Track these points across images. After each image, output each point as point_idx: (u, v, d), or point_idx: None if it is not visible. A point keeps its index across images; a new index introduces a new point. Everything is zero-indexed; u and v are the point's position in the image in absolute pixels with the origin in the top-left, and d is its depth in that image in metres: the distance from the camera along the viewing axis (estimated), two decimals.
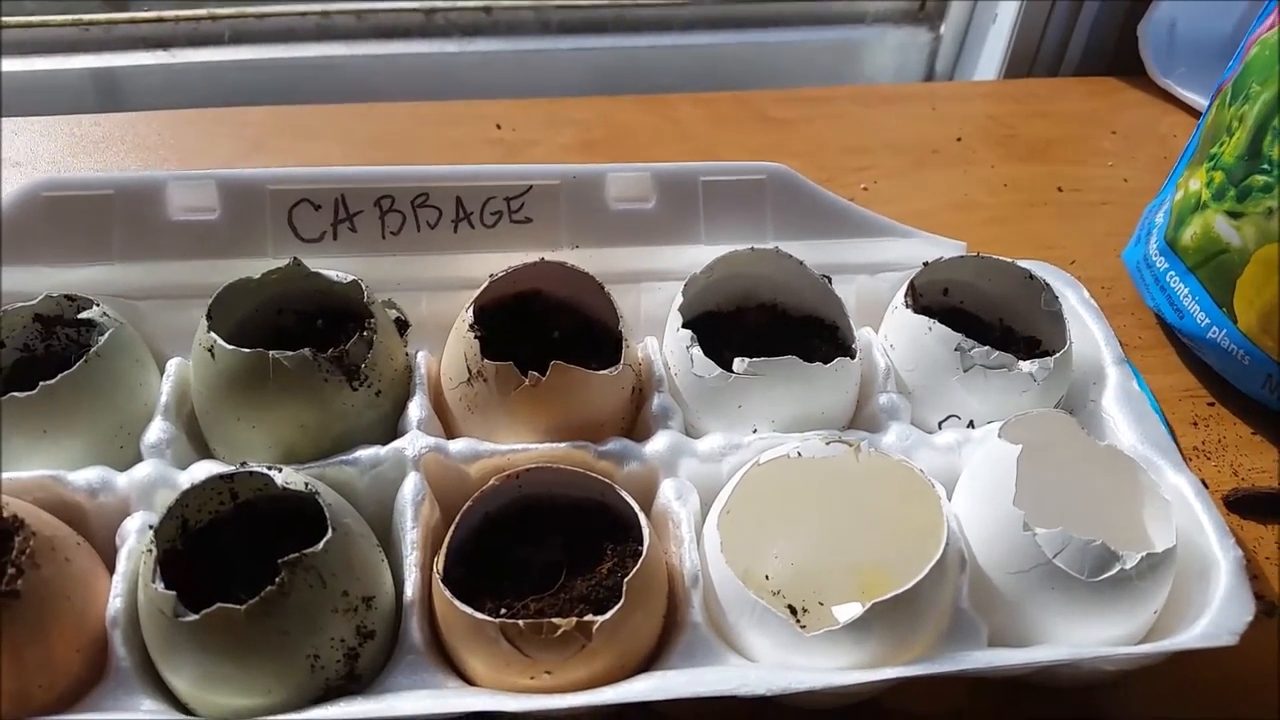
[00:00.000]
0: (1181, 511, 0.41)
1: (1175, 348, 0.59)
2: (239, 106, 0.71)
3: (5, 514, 0.35)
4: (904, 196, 0.66)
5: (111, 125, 0.69)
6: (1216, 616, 0.37)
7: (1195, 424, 0.54)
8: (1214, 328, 0.53)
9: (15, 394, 0.39)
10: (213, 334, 0.40)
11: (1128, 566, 0.36)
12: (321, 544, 0.34)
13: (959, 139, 0.73)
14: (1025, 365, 0.44)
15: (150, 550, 0.34)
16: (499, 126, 0.70)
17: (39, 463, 0.40)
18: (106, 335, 0.42)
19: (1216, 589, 0.38)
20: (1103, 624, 0.37)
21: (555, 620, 0.34)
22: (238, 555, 0.37)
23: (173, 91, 0.78)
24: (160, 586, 0.33)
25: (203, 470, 0.39)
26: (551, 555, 0.39)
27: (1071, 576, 0.36)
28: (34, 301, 0.43)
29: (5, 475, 0.39)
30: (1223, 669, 0.42)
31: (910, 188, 0.67)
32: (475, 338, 0.41)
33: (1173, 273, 0.56)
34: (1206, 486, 0.42)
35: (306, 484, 0.36)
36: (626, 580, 0.35)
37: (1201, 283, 0.54)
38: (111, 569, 0.37)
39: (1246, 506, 0.50)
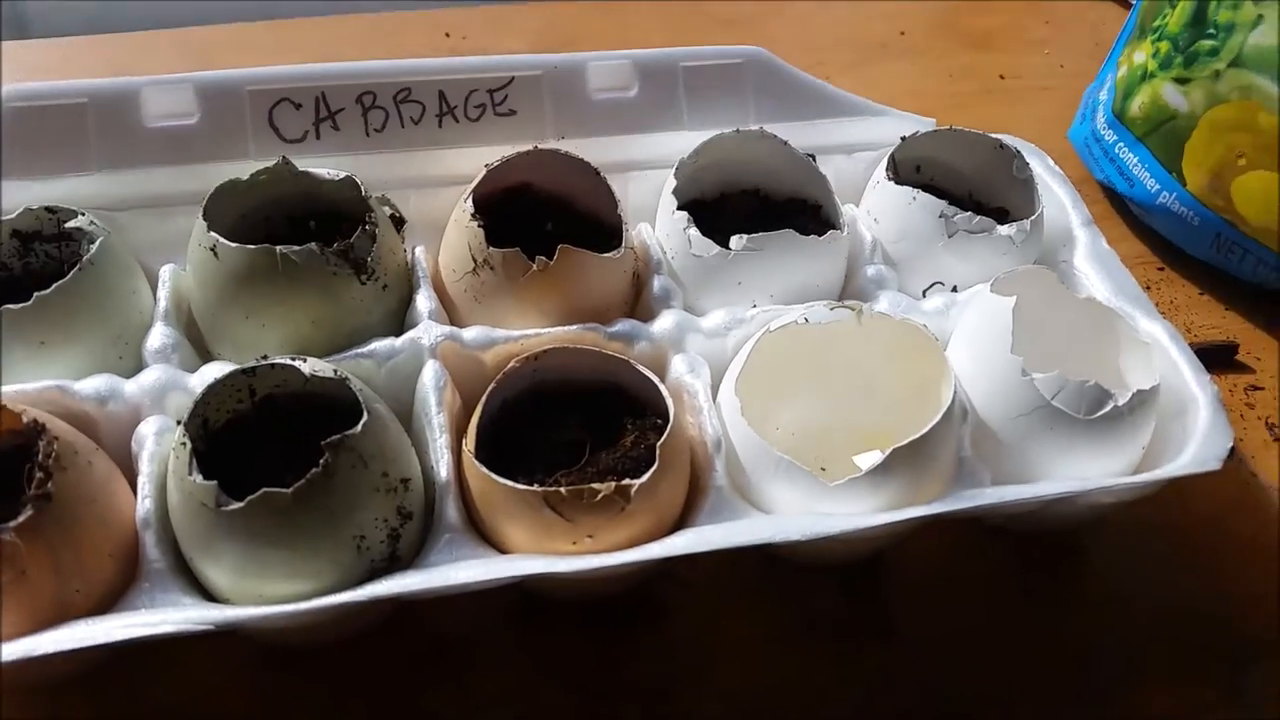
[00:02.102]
0: (1158, 356, 0.43)
1: (1124, 219, 0.61)
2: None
3: (25, 420, 0.35)
4: (860, 90, 0.66)
5: (46, 52, 0.65)
6: (1202, 447, 0.40)
7: (1148, 288, 0.57)
8: (1164, 192, 0.56)
9: (9, 306, 0.38)
10: (213, 234, 0.39)
11: (1120, 403, 0.39)
12: (359, 425, 0.34)
13: (903, 33, 0.74)
14: (1003, 229, 0.46)
15: (185, 444, 0.34)
16: (448, 35, 0.69)
17: (39, 376, 0.39)
18: (97, 243, 0.41)
19: (1196, 423, 0.41)
20: (1098, 460, 0.40)
21: (595, 485, 0.35)
22: (261, 453, 0.37)
23: (92, 25, 0.74)
24: (199, 478, 0.33)
25: (217, 369, 0.39)
26: (573, 435, 0.40)
27: (1070, 416, 0.39)
28: (11, 216, 0.42)
29: (10, 388, 0.38)
30: (1187, 509, 0.45)
31: (864, 82, 0.68)
32: (479, 226, 0.41)
33: (1121, 144, 0.58)
34: None
35: (335, 370, 0.36)
36: (659, 444, 0.36)
37: (1151, 150, 0.56)
38: (126, 477, 0.37)
39: (1201, 360, 0.53)
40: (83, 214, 0.42)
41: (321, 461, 0.33)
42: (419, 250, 0.44)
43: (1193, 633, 0.42)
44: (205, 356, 0.42)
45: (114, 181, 0.44)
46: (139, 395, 0.39)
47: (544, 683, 0.39)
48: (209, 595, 0.35)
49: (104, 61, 0.65)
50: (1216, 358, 0.53)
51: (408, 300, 0.43)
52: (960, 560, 0.44)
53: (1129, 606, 0.43)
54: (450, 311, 0.43)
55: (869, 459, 0.40)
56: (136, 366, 0.40)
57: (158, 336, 0.40)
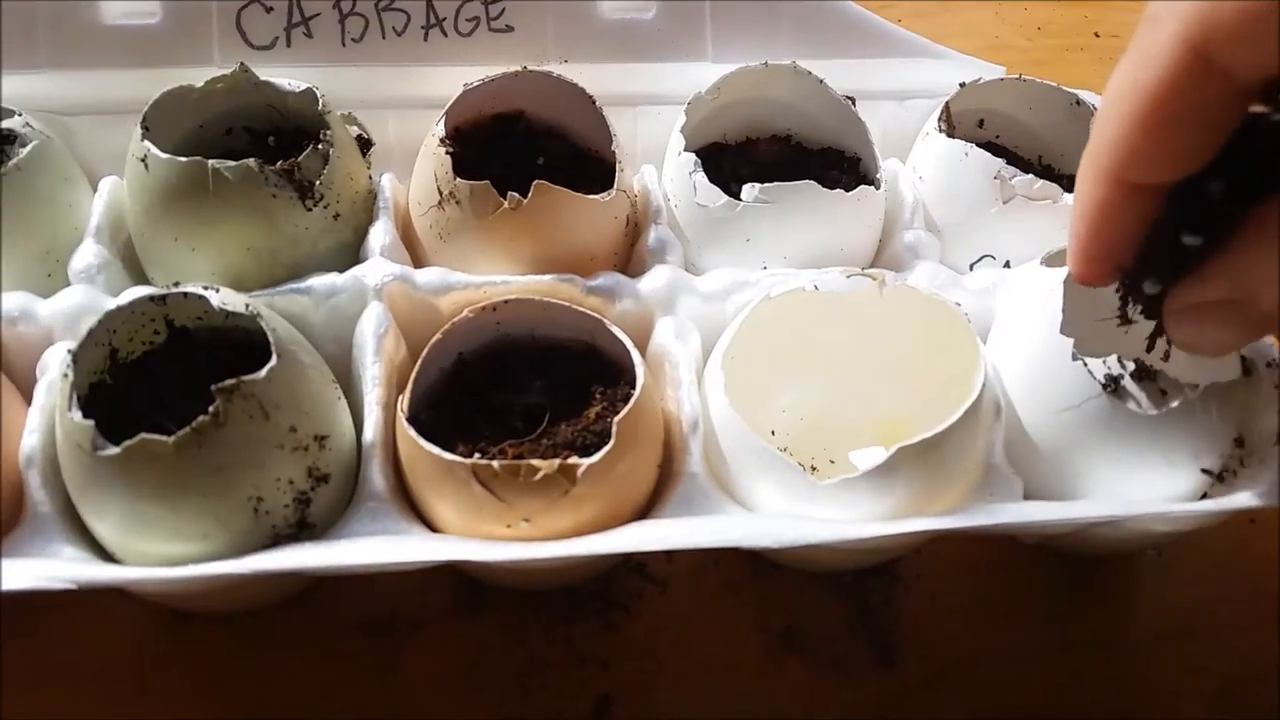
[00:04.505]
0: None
1: None
2: None
3: None
4: (930, 38, 0.60)
5: None
6: None
7: None
8: None
9: None
10: (147, 143, 0.35)
11: (1192, 396, 0.32)
12: (264, 371, 0.29)
13: None
14: (1070, 197, 0.39)
15: (67, 376, 0.29)
16: None
17: None
18: (29, 147, 0.37)
19: None
20: (1164, 471, 0.33)
21: (535, 462, 0.29)
22: (177, 392, 0.32)
23: None
24: (78, 416, 0.29)
25: (132, 293, 0.34)
26: (533, 399, 0.35)
27: (1129, 410, 0.32)
28: None
29: None
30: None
31: (937, 29, 0.60)
32: (447, 154, 0.36)
33: None
34: None
35: (247, 305, 0.31)
36: (617, 420, 0.30)
37: None
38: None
39: None
40: (19, 114, 0.38)
41: (211, 409, 0.28)
42: (386, 179, 0.39)
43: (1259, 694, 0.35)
44: (144, 282, 0.38)
45: (66, 82, 0.40)
46: (52, 318, 0.35)
47: (468, 680, 0.34)
48: (99, 545, 0.31)
49: None
50: None
51: (366, 233, 0.37)
52: (987, 578, 0.38)
53: (1198, 655, 0.36)
54: (414, 251, 0.38)
55: (869, 456, 0.34)
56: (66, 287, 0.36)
57: (84, 255, 0.36)
